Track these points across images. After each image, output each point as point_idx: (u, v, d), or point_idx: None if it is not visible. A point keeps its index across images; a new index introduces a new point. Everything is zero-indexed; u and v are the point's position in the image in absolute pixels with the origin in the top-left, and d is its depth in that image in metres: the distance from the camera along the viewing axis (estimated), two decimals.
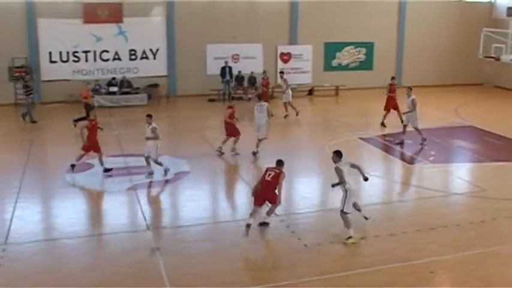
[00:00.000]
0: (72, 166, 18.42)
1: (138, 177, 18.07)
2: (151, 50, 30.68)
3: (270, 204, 14.28)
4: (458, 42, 35.59)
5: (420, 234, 14.12)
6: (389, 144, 22.32)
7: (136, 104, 28.75)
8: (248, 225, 13.70)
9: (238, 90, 31.16)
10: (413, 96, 22.18)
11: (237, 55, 31.86)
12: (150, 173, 18.22)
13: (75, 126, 23.71)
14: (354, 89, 33.12)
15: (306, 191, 17.59)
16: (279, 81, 27.95)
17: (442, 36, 35.73)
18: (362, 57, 34.64)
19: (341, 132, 23.50)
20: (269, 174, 14.02)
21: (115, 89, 29.18)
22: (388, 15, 34.71)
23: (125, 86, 29.27)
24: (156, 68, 30.78)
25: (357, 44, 34.39)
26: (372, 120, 25.91)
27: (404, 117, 22.67)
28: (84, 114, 23.55)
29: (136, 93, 29.36)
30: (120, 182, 17.72)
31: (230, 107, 21.23)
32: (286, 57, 32.91)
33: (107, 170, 18.44)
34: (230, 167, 19.30)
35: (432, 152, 21.52)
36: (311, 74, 33.33)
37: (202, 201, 16.69)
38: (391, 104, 24.73)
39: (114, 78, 29.51)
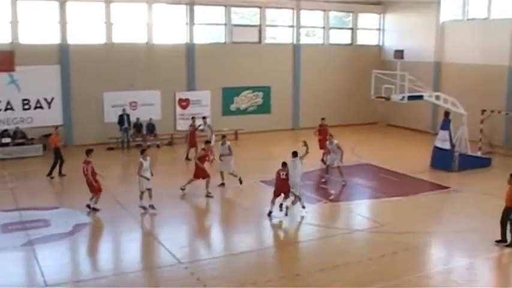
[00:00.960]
0: (95, 210, 19.01)
1: (35, 231, 17.23)
2: (45, 99, 29.73)
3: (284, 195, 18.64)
4: (352, 83, 36.94)
5: (324, 273, 14.24)
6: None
7: (32, 155, 27.63)
8: (270, 212, 18.31)
9: (137, 137, 30.71)
10: (336, 142, 23.08)
11: (135, 102, 31.50)
12: (147, 207, 19.11)
13: (52, 178, 23.59)
14: (253, 133, 33.52)
15: (209, 237, 17.43)
16: (202, 126, 27.95)
17: (336, 78, 37.02)
18: (259, 101, 35.19)
19: (242, 176, 23.53)
20: (283, 174, 18.34)
21: (8, 140, 28.01)
22: (283, 59, 35.55)
23: (19, 137, 28.18)
24: (51, 117, 29.80)
25: (254, 88, 34.94)
26: (271, 163, 26.10)
27: (329, 158, 23.55)
28: (52, 164, 23.89)
29: (31, 144, 28.33)
30: (14, 237, 16.79)
31: (204, 149, 21.79)
32: (184, 103, 32.88)
33: (91, 208, 19.13)
34: (132, 217, 18.84)
35: (332, 191, 21.96)
36: (210, 119, 33.34)
37: (103, 253, 16.17)
38: (323, 145, 25.29)
39: (6, 130, 28.37)
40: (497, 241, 16.27)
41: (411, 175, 24.37)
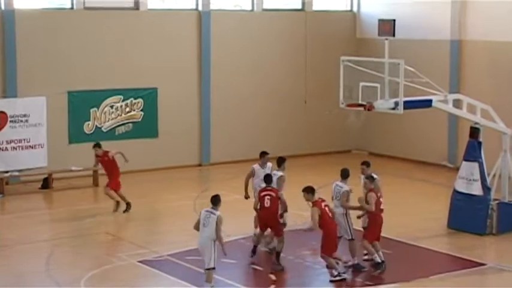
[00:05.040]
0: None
1: None
2: None
3: None
4: (306, 81, 37.21)
5: None
6: (190, 267, 22.35)
7: None
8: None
9: None
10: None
11: None
12: None
13: None
14: (127, 174, 32.62)
15: None
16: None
17: (277, 72, 37.25)
18: (138, 114, 34.97)
19: (108, 252, 23.14)
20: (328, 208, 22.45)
21: None
22: (181, 39, 35.66)
23: None
24: None
25: (128, 92, 34.72)
26: (163, 228, 25.98)
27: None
28: None
29: None
30: None
31: None
32: None
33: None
34: None
35: (272, 277, 21.76)
36: (46, 151, 32.83)
37: None
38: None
39: None
40: None
41: (415, 244, 24.56)
